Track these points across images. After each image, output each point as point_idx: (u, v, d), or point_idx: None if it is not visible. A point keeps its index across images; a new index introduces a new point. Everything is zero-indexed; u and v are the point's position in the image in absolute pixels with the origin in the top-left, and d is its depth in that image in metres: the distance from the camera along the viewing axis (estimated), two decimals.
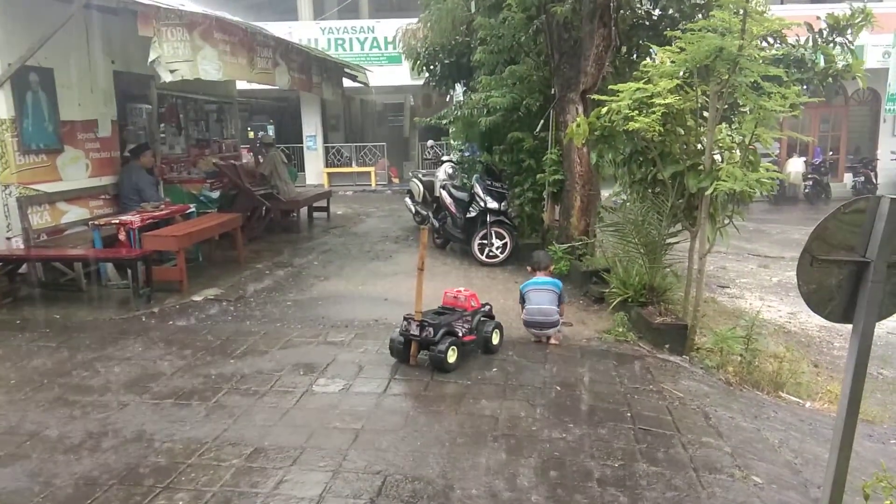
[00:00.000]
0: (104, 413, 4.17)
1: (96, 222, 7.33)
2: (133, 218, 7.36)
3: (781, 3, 17.66)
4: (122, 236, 7.19)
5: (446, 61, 11.00)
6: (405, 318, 4.96)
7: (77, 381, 4.70)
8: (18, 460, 3.57)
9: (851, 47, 6.72)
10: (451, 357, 4.81)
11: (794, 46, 6.78)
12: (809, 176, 17.34)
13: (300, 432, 3.90)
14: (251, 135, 20.22)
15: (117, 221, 7.27)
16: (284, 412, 4.19)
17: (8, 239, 6.84)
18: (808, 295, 2.19)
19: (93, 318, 6.29)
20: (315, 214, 12.98)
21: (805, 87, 6.57)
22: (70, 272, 7.17)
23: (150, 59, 6.14)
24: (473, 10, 9.66)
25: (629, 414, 4.22)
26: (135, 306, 6.55)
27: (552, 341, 5.63)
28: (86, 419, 4.08)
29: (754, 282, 9.67)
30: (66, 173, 7.54)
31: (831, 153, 18.81)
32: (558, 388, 4.62)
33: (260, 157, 12.01)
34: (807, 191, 17.32)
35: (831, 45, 6.71)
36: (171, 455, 3.62)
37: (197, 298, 6.95)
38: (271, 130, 21.21)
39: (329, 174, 20.30)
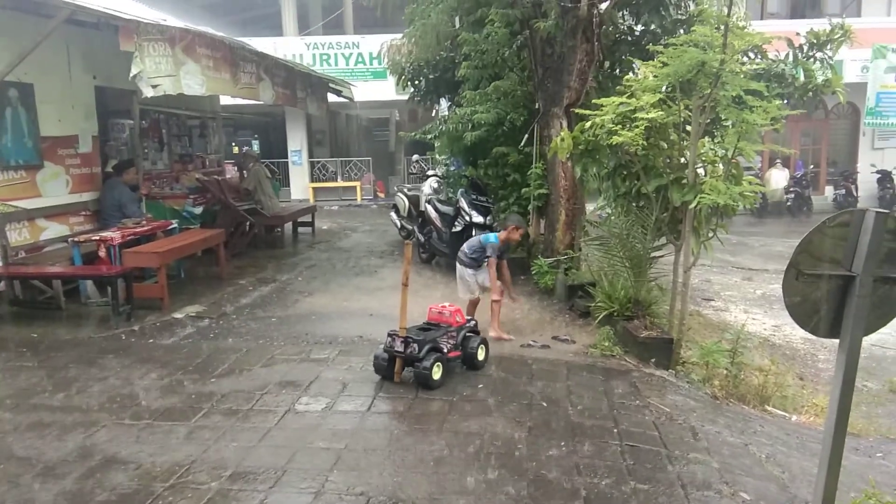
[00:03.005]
0: (81, 434, 4.06)
1: (76, 239, 7.22)
2: (114, 234, 7.26)
3: (761, 18, 17.92)
4: (102, 253, 7.08)
5: (431, 76, 11.01)
6: (389, 335, 4.90)
7: (54, 402, 4.59)
8: None
9: (831, 62, 6.80)
10: (436, 373, 4.75)
11: (774, 61, 6.85)
12: (791, 189, 17.52)
13: (282, 453, 3.82)
14: (235, 150, 20.13)
15: (98, 238, 7.17)
16: (266, 432, 4.11)
17: None
18: (794, 309, 2.17)
19: (71, 336, 6.17)
20: (300, 229, 12.90)
21: (786, 101, 6.63)
22: (49, 290, 7.04)
23: (131, 74, 6.07)
24: (458, 25, 9.68)
25: (616, 430, 4.18)
26: (115, 324, 6.44)
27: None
28: (62, 441, 3.98)
29: (738, 294, 9.72)
30: (46, 189, 7.43)
31: (812, 167, 19.02)
32: (544, 404, 4.57)
33: (244, 171, 11.93)
34: (789, 204, 17.48)
35: (811, 60, 6.79)
36: (149, 478, 3.52)
37: (178, 315, 6.84)
38: (256, 145, 21.13)
39: (314, 189, 20.22)
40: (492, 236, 6.31)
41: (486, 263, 6.15)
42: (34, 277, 6.92)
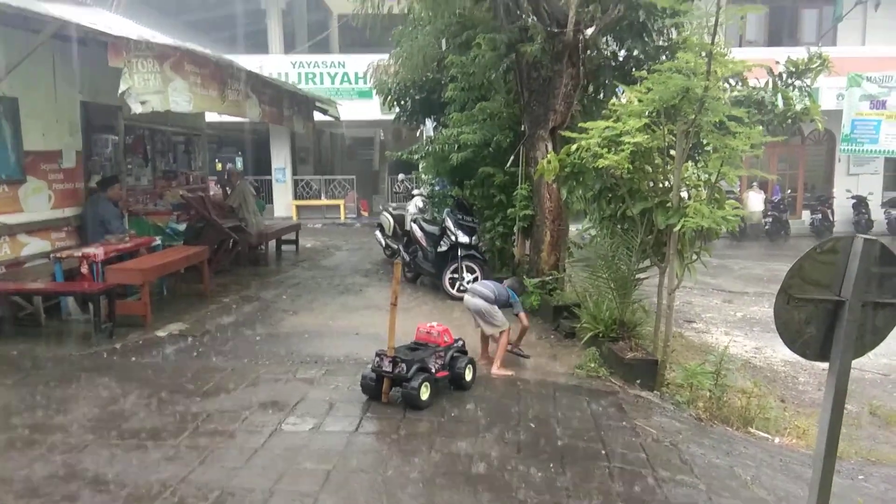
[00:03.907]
0: (63, 455, 3.99)
1: (58, 255, 7.13)
2: (96, 250, 7.18)
3: (740, 45, 18.32)
4: (84, 269, 7.00)
5: (417, 97, 11.10)
6: (377, 354, 4.89)
7: (34, 421, 4.51)
8: None
9: (809, 90, 6.97)
10: (424, 394, 4.74)
11: (755, 88, 7.01)
12: (769, 213, 17.82)
13: (269, 474, 3.79)
14: (219, 166, 20.04)
15: (80, 254, 7.09)
16: (252, 453, 4.07)
17: None
18: (784, 333, 2.22)
19: (52, 354, 6.07)
20: (284, 247, 12.84)
21: (766, 127, 6.78)
22: (29, 306, 6.93)
23: (120, 91, 6.05)
24: (444, 47, 9.80)
25: (604, 451, 4.20)
26: (96, 342, 6.35)
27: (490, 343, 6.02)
28: (44, 461, 3.90)
29: (719, 316, 9.82)
30: (28, 204, 7.34)
31: (789, 191, 19.37)
32: (532, 425, 4.58)
33: (227, 188, 11.87)
34: (767, 227, 17.78)
35: (790, 87, 6.96)
36: (133, 499, 3.47)
37: (161, 333, 6.77)
38: (239, 162, 21.05)
39: (298, 207, 20.17)
40: (515, 294, 6.13)
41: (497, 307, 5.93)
42: (14, 293, 6.80)
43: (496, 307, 5.87)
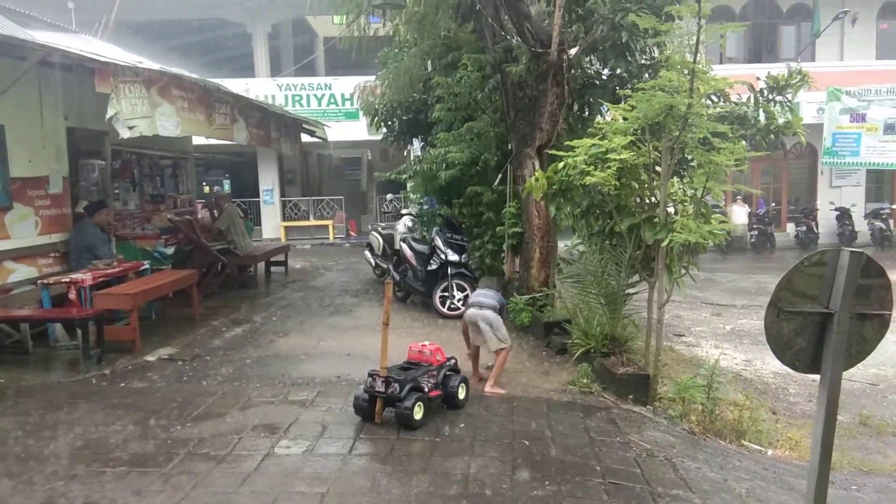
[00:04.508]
0: (52, 484, 3.94)
1: (46, 281, 7.08)
2: (84, 276, 7.13)
3: (721, 62, 18.61)
4: (72, 295, 6.94)
5: (404, 117, 11.18)
6: (370, 375, 4.87)
7: (22, 450, 4.44)
8: None
9: (790, 105, 7.09)
10: (418, 413, 4.73)
11: (737, 104, 7.12)
12: (755, 226, 18.02)
13: (262, 498, 3.75)
14: (206, 189, 20.01)
15: (68, 280, 7.03)
16: (245, 477, 4.03)
17: None
18: (775, 346, 2.25)
19: (40, 381, 6.00)
20: (273, 269, 12.80)
21: (749, 142, 6.88)
22: (16, 333, 6.86)
23: (107, 116, 6.06)
24: (430, 68, 9.89)
25: (598, 467, 4.20)
26: (84, 368, 6.28)
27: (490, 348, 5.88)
28: (33, 491, 3.85)
29: (708, 330, 9.88)
30: (15, 231, 7.28)
31: (774, 204, 19.60)
32: (526, 442, 4.58)
33: (215, 211, 11.85)
34: (752, 240, 17.98)
35: (771, 102, 7.08)
36: None
37: (150, 358, 6.71)
38: (227, 185, 21.03)
39: (286, 228, 20.15)
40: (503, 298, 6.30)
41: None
42: (1, 321, 6.73)
43: (500, 317, 5.91)
